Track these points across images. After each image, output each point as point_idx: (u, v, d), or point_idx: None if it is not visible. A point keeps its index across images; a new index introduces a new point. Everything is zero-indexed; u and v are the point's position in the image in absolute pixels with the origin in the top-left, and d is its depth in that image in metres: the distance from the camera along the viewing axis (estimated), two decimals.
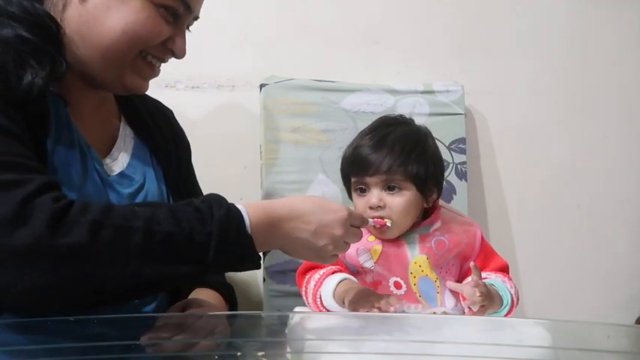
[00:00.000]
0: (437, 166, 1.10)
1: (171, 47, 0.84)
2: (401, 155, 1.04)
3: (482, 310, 0.96)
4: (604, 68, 1.56)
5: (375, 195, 1.05)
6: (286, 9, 1.48)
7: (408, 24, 1.52)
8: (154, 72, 0.87)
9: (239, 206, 0.74)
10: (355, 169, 1.08)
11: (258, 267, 0.77)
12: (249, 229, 0.73)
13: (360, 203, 1.07)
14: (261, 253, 0.78)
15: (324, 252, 0.80)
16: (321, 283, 1.04)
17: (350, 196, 1.13)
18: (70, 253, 0.62)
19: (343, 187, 1.36)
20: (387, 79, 1.49)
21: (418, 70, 1.51)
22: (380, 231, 1.05)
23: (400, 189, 1.05)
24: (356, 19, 1.50)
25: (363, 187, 1.07)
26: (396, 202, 1.04)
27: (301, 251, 0.81)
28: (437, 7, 1.52)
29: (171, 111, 1.07)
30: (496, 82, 1.55)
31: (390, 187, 1.05)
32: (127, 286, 0.67)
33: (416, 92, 1.44)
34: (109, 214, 0.66)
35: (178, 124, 1.07)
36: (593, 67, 1.56)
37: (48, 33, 0.76)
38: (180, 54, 0.86)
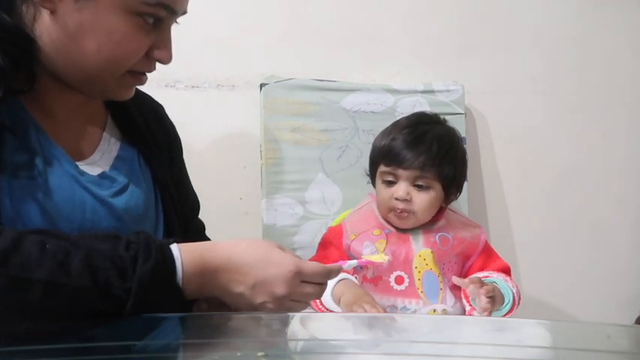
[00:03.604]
0: (463, 169, 1.15)
1: (156, 57, 0.78)
2: (437, 156, 1.07)
3: (489, 314, 0.96)
4: (604, 68, 1.56)
5: (403, 188, 1.08)
6: (286, 9, 1.48)
7: (408, 24, 1.51)
8: (142, 81, 0.81)
9: (174, 252, 0.68)
10: (388, 160, 1.10)
11: (188, 312, 0.72)
12: (180, 281, 0.67)
13: (386, 193, 1.10)
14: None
15: (263, 309, 0.72)
16: None
17: (373, 183, 1.16)
18: None
19: (343, 186, 1.37)
20: (386, 78, 1.49)
21: (418, 69, 1.51)
22: (401, 219, 1.08)
23: (428, 187, 1.08)
24: (356, 19, 1.50)
25: (392, 179, 1.09)
26: (422, 198, 1.08)
27: (237, 304, 0.74)
28: (437, 7, 1.52)
29: (162, 106, 1.01)
30: (496, 82, 1.54)
31: (418, 184, 1.08)
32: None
33: (416, 92, 1.44)
34: (8, 258, 0.59)
35: (169, 120, 1.02)
36: (593, 67, 1.56)
37: (20, 48, 0.70)
38: (165, 61, 0.79)
